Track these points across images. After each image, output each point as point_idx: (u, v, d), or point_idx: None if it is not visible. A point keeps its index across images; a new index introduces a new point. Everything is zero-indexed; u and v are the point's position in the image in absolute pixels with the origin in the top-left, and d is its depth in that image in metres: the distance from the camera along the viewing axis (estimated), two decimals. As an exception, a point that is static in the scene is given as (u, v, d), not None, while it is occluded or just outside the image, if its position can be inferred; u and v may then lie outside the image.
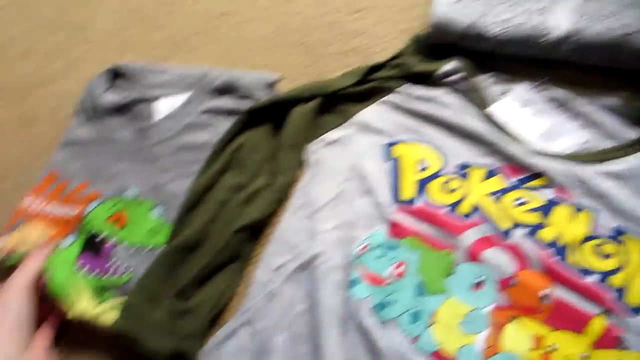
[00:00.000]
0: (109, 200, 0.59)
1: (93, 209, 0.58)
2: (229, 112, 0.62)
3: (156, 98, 0.65)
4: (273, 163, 0.58)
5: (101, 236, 0.57)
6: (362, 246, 0.54)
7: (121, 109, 0.65)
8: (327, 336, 0.48)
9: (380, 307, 0.50)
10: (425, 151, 0.59)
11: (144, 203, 0.59)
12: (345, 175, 0.58)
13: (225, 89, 0.63)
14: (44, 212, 0.59)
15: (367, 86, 0.61)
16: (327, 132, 0.60)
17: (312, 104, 0.59)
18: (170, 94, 0.65)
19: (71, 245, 0.56)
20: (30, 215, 0.59)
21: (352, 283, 0.51)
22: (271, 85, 0.63)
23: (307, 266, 0.53)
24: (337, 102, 0.61)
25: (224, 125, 0.60)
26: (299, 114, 0.59)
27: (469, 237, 0.53)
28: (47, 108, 0.72)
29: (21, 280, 0.49)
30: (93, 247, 0.56)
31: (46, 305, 0.51)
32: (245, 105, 0.61)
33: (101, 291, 0.53)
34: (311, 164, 0.59)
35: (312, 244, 0.54)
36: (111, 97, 0.65)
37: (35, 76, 0.75)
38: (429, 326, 0.49)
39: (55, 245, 0.55)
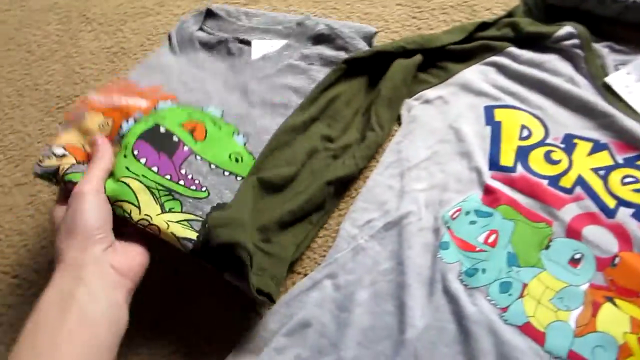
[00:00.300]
0: (186, 106, 0.53)
1: (167, 108, 0.52)
2: (326, 61, 0.61)
3: (250, 40, 0.64)
4: (367, 117, 0.57)
5: (174, 137, 0.49)
6: (454, 210, 0.52)
7: (213, 47, 0.64)
8: (413, 296, 0.48)
9: (469, 273, 0.49)
10: (529, 118, 0.56)
11: (226, 125, 0.54)
12: (441, 136, 0.56)
13: (324, 38, 0.62)
14: (109, 103, 0.51)
15: (473, 44, 0.58)
16: (425, 89, 0.58)
17: (413, 60, 0.57)
18: (265, 37, 0.64)
19: (132, 128, 0.48)
20: (93, 105, 0.51)
21: (442, 246, 0.51)
22: (370, 37, 0.62)
23: (395, 225, 0.52)
24: (438, 59, 0.59)
25: (320, 73, 0.59)
26: (399, 68, 0.57)
27: (570, 211, 0.51)
28: (137, 42, 0.72)
29: (91, 186, 0.42)
30: (161, 141, 0.48)
31: None
32: (342, 55, 0.60)
33: (165, 193, 0.46)
34: (406, 120, 0.57)
35: (402, 203, 0.53)
36: (203, 35, 0.65)
37: (128, 9, 0.76)
38: (520, 298, 0.48)
39: (117, 131, 0.49)
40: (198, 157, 0.49)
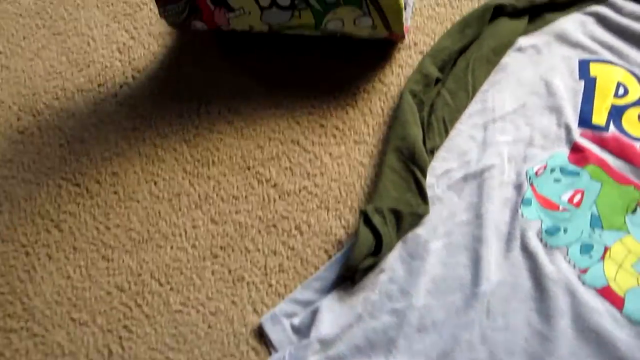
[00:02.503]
0: None
1: None
2: None
3: None
4: (463, 74, 0.57)
5: None
6: (539, 166, 0.53)
7: None
8: (489, 250, 0.49)
9: (550, 232, 0.50)
10: (626, 75, 0.56)
11: None
12: (531, 87, 0.56)
13: None
14: None
15: (575, -8, 0.57)
16: (519, 36, 0.58)
17: (522, 22, 0.57)
18: None
19: None
20: None
21: (524, 202, 0.51)
22: None
23: (475, 177, 0.53)
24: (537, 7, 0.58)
25: None
26: (507, 29, 0.58)
27: (663, 177, 0.51)
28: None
29: None
30: None
31: None
32: None
33: None
34: (496, 67, 0.57)
35: (484, 155, 0.54)
36: None
37: None
38: (600, 261, 0.49)
39: None
40: None
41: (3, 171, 0.59)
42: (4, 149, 0.61)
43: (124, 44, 0.66)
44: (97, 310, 0.51)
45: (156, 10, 0.64)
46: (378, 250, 0.49)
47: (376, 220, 0.49)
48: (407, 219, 0.50)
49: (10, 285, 0.53)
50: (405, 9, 0.57)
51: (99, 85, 0.64)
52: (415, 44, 0.62)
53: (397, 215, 0.50)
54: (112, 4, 0.69)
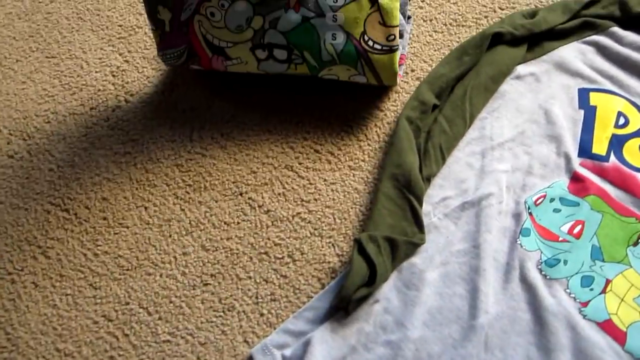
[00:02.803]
0: None
1: None
2: None
3: None
4: (460, 101, 0.57)
5: None
6: (538, 195, 0.52)
7: None
8: (487, 281, 0.49)
9: (550, 263, 0.50)
10: (626, 105, 0.56)
11: None
12: (530, 116, 0.56)
13: None
14: None
15: (574, 22, 0.58)
16: (517, 64, 0.58)
17: (521, 50, 0.58)
18: None
19: None
20: None
21: (522, 232, 0.51)
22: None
23: (473, 205, 0.52)
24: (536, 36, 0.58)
25: None
26: (506, 56, 0.58)
27: (665, 209, 0.50)
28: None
29: None
30: None
31: None
32: None
33: None
34: (495, 95, 0.57)
35: (482, 183, 0.53)
36: None
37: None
38: (602, 294, 0.48)
39: None
40: None
41: (-9, 195, 0.59)
42: (-7, 173, 0.60)
43: (118, 67, 0.66)
44: (83, 341, 0.50)
45: (151, 34, 0.65)
46: (372, 280, 0.48)
47: (370, 249, 0.48)
48: (402, 247, 0.50)
49: (-6, 313, 0.52)
50: (402, 36, 0.58)
51: (91, 109, 0.64)
52: (413, 70, 0.62)
53: (392, 244, 0.49)
54: (106, 27, 0.70)
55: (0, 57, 0.69)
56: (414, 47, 0.64)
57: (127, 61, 0.67)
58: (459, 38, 0.63)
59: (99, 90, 0.65)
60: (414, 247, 0.50)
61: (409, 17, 0.62)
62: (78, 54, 0.68)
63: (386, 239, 0.49)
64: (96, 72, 0.66)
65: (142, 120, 0.62)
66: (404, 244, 0.50)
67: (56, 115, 0.64)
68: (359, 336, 0.47)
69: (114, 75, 0.66)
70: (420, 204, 0.52)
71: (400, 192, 0.52)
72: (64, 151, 0.61)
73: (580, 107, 0.56)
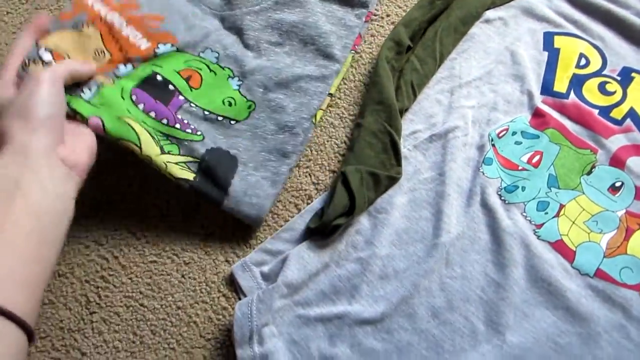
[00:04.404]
0: (184, 52, 0.57)
1: (166, 53, 0.56)
2: None
3: None
4: (431, 41, 0.61)
5: (170, 86, 0.55)
6: (501, 129, 0.58)
7: None
8: (450, 205, 0.54)
9: (509, 190, 0.55)
10: (588, 48, 0.60)
11: (222, 69, 0.58)
12: (497, 57, 0.61)
13: None
14: (109, 21, 0.54)
15: (540, -34, 0.62)
16: (486, 8, 0.62)
17: None
18: None
19: (130, 74, 0.54)
20: (92, 16, 0.53)
21: (485, 161, 0.56)
22: None
23: (440, 137, 0.57)
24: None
25: (317, 7, 0.62)
26: (475, 0, 0.62)
27: (617, 141, 0.56)
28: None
29: (56, 74, 0.44)
30: (158, 89, 0.54)
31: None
32: None
33: (163, 137, 0.52)
34: (464, 38, 0.62)
35: (449, 118, 0.58)
36: None
37: None
38: (555, 217, 0.54)
39: (112, 69, 0.53)
40: (192, 105, 0.55)
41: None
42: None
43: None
44: (75, 263, 0.55)
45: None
46: (352, 210, 0.53)
47: (353, 181, 0.53)
48: (383, 182, 0.54)
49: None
50: None
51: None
52: (388, 15, 0.66)
53: (374, 178, 0.54)
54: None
55: (-9, 8, 0.73)
56: (390, -8, 0.68)
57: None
58: (433, -15, 0.68)
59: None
60: (393, 181, 0.55)
61: None
62: (67, 5, 0.72)
63: (369, 173, 0.54)
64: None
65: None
66: (385, 179, 0.54)
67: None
68: (332, 254, 0.53)
69: (102, 21, 0.70)
70: (399, 137, 0.56)
71: (382, 126, 0.56)
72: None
73: (544, 49, 0.61)
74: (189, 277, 0.54)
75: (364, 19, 0.63)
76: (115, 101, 0.51)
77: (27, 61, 0.49)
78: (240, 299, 0.52)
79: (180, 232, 0.56)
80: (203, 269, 0.54)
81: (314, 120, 0.58)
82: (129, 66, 0.54)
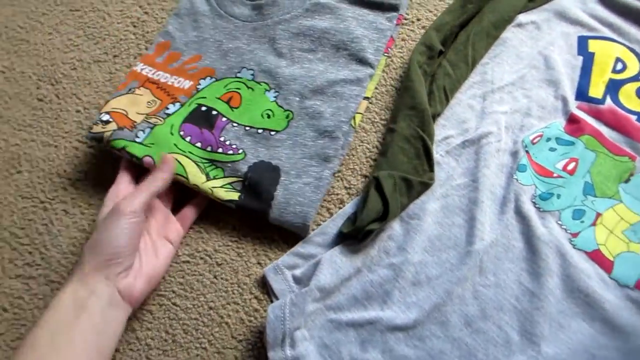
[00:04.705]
0: (223, 78, 0.62)
1: (207, 86, 0.61)
2: (355, 0, 0.64)
3: None
4: (463, 46, 0.61)
5: (213, 112, 0.59)
6: (535, 135, 0.57)
7: None
8: (484, 212, 0.53)
9: (544, 197, 0.54)
10: (624, 51, 0.59)
11: (258, 85, 0.61)
12: (530, 61, 0.60)
13: None
14: (155, 79, 0.62)
15: (575, -30, 0.61)
16: (519, 12, 0.62)
17: (521, 0, 0.61)
18: None
19: (177, 111, 0.59)
20: (142, 80, 0.62)
21: (519, 168, 0.55)
22: None
23: (473, 143, 0.57)
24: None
25: (348, 12, 0.62)
26: (507, 4, 0.62)
27: (656, 149, 0.55)
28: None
29: (131, 209, 0.49)
30: (203, 119, 0.58)
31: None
32: None
33: (208, 164, 0.56)
34: (497, 42, 0.61)
35: (482, 123, 0.58)
36: None
37: None
38: (592, 226, 0.53)
39: (163, 109, 0.59)
40: (234, 124, 0.59)
41: (23, 135, 0.64)
42: (24, 115, 0.66)
43: (138, 18, 0.71)
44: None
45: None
46: (385, 216, 0.52)
47: (387, 187, 0.52)
48: (416, 187, 0.54)
49: (30, 237, 0.58)
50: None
51: (114, 57, 0.69)
52: (418, 20, 0.66)
53: (407, 183, 0.54)
54: (127, -18, 0.75)
55: (27, 11, 0.74)
56: (421, -3, 0.68)
57: (146, 13, 0.72)
58: (465, -11, 0.67)
59: (121, 39, 0.70)
60: (426, 186, 0.55)
61: None
62: (100, 7, 0.73)
63: (402, 178, 0.54)
64: (118, 23, 0.71)
65: (162, 65, 0.67)
66: (418, 185, 0.54)
67: (81, 62, 0.69)
68: (365, 259, 0.53)
69: (134, 26, 0.71)
70: (432, 143, 0.56)
71: (415, 132, 0.56)
72: (89, 94, 0.66)
73: (579, 54, 0.60)
74: (222, 278, 0.54)
75: (395, 22, 0.62)
76: (164, 138, 0.57)
77: (92, 125, 0.57)
78: (271, 301, 0.52)
79: (213, 233, 0.56)
80: (235, 271, 0.54)
81: (352, 124, 0.59)
82: (177, 105, 0.60)
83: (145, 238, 0.52)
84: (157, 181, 0.52)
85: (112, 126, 0.57)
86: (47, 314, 0.45)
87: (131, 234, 0.48)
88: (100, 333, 0.46)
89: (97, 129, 0.57)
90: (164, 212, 0.55)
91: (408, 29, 0.65)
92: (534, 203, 0.54)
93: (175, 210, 0.57)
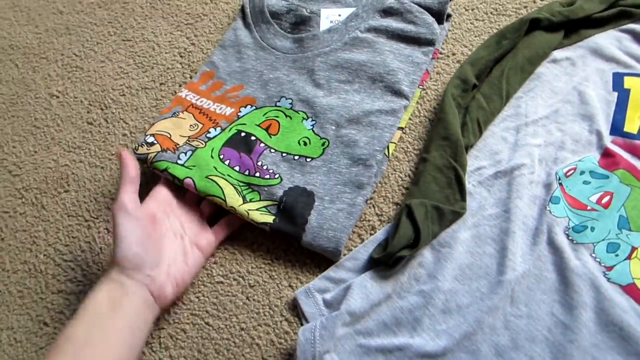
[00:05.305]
0: (263, 106, 0.64)
1: (247, 113, 0.64)
2: (392, 34, 0.65)
3: (319, 9, 0.70)
4: (497, 80, 0.62)
5: (252, 137, 0.61)
6: (568, 168, 0.57)
7: (284, 16, 0.70)
8: (516, 243, 0.53)
9: (577, 229, 0.54)
10: (660, 89, 0.59)
11: (296, 113, 0.63)
12: (564, 96, 0.61)
13: (392, 11, 0.66)
14: (199, 105, 0.65)
15: (611, 11, 0.62)
16: (554, 48, 0.63)
17: (558, 36, 0.62)
18: (334, 6, 0.69)
19: (218, 135, 0.62)
20: (186, 105, 0.65)
21: (552, 200, 0.55)
22: (443, 4, 0.65)
23: (505, 174, 0.57)
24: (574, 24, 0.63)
25: (385, 46, 0.64)
26: (543, 40, 0.62)
27: (693, 184, 0.54)
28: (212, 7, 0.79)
29: (118, 205, 0.51)
30: (242, 144, 0.61)
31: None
32: (409, 29, 0.64)
33: (245, 187, 0.58)
34: (531, 77, 0.62)
35: (515, 155, 0.58)
36: (274, 2, 0.71)
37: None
38: (626, 260, 0.52)
39: (205, 133, 0.62)
40: (272, 150, 0.61)
41: (72, 156, 0.68)
42: (74, 137, 0.69)
43: (185, 49, 0.75)
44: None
45: (215, 21, 0.73)
46: (416, 243, 0.53)
47: (419, 214, 0.53)
48: (447, 216, 0.54)
49: (73, 254, 0.61)
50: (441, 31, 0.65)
51: (160, 84, 0.72)
52: (454, 54, 0.68)
53: (439, 212, 0.54)
54: (176, 15, 0.79)
55: (83, 40, 0.79)
56: (455, 33, 0.70)
57: (193, 44, 0.76)
58: (499, 26, 0.69)
59: (168, 68, 0.74)
60: (457, 215, 0.55)
61: (449, 16, 0.68)
62: (150, 38, 0.77)
63: (434, 207, 0.54)
64: (166, 53, 0.75)
65: (206, 93, 0.70)
66: (449, 213, 0.54)
67: (130, 89, 0.73)
68: (395, 285, 0.53)
69: (181, 56, 0.75)
70: (464, 173, 0.57)
71: (447, 162, 0.56)
72: (136, 119, 0.70)
73: (614, 90, 0.60)
74: (253, 300, 0.55)
75: (430, 56, 0.64)
76: (205, 161, 0.59)
77: (136, 146, 0.60)
78: (302, 324, 0.53)
79: (246, 255, 0.57)
80: (267, 293, 0.55)
81: (386, 153, 0.60)
82: (218, 129, 0.63)
83: (178, 242, 0.54)
84: (126, 173, 0.53)
85: (156, 148, 0.59)
86: (83, 310, 0.47)
87: (133, 231, 0.50)
88: (133, 331, 0.48)
89: (142, 150, 0.60)
90: (199, 220, 0.57)
91: (443, 63, 0.67)
92: (567, 235, 0.53)
93: (211, 222, 0.59)
